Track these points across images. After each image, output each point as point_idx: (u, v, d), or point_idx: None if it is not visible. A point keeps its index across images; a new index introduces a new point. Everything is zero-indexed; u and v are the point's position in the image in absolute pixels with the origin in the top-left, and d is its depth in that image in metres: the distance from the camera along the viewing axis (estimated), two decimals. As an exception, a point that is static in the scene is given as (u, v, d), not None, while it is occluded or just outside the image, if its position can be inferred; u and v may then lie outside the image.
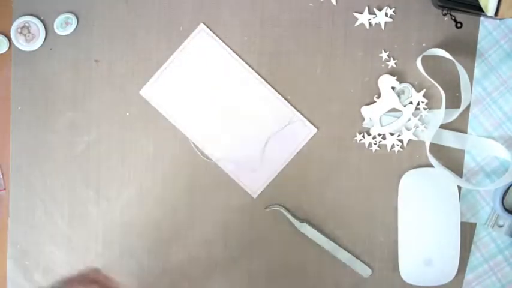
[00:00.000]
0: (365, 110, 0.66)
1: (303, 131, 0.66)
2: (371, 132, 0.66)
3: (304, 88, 0.66)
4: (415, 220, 0.66)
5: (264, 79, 0.66)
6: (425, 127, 0.66)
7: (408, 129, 0.66)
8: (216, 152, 0.67)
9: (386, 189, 0.67)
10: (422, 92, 0.66)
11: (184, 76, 0.66)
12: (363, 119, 0.66)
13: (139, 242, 0.67)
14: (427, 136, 0.66)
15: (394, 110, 0.66)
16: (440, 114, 0.65)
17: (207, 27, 0.66)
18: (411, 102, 0.66)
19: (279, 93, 0.66)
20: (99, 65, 0.66)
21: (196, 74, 0.66)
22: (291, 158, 0.66)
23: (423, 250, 0.66)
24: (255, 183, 0.67)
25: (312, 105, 0.66)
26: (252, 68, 0.66)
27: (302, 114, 0.66)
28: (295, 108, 0.66)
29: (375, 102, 0.66)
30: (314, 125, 0.66)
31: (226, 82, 0.66)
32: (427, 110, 0.66)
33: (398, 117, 0.66)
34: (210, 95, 0.66)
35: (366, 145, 0.67)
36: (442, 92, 0.65)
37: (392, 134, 0.66)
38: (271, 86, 0.66)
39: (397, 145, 0.66)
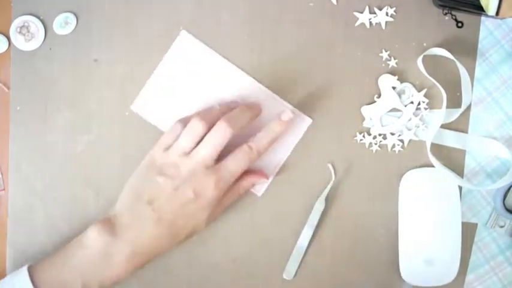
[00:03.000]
0: (365, 110, 0.66)
1: (299, 126, 0.66)
2: (371, 132, 0.66)
3: (304, 88, 0.66)
4: (415, 220, 0.66)
5: (263, 79, 0.66)
6: (426, 127, 0.66)
7: (409, 129, 0.66)
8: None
9: (386, 189, 0.67)
10: (423, 91, 0.66)
11: (175, 83, 0.66)
12: (363, 119, 0.66)
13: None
14: (428, 136, 0.65)
15: (394, 109, 0.66)
16: (441, 114, 0.65)
17: (189, 32, 0.65)
18: (412, 102, 0.66)
19: (277, 94, 0.66)
20: (98, 65, 0.66)
21: (188, 80, 0.65)
22: (289, 157, 0.66)
23: (424, 250, 0.65)
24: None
25: (311, 105, 0.66)
26: (244, 71, 0.66)
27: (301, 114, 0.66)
28: (292, 106, 0.66)
29: (375, 102, 0.66)
30: (312, 119, 0.66)
31: (221, 85, 0.66)
32: (428, 109, 0.66)
33: (399, 117, 0.66)
34: (205, 98, 0.66)
35: (367, 145, 0.66)
36: (443, 91, 0.64)
37: (393, 134, 0.66)
38: (270, 87, 0.66)
39: (398, 145, 0.66)
